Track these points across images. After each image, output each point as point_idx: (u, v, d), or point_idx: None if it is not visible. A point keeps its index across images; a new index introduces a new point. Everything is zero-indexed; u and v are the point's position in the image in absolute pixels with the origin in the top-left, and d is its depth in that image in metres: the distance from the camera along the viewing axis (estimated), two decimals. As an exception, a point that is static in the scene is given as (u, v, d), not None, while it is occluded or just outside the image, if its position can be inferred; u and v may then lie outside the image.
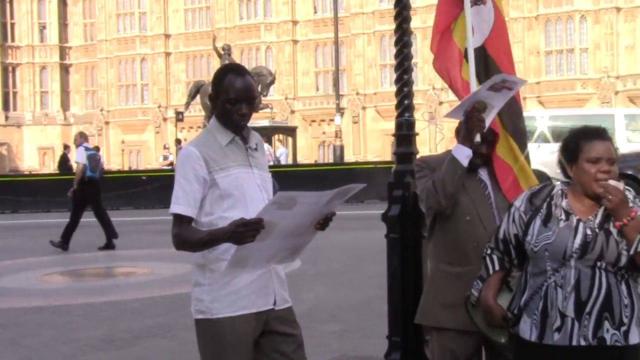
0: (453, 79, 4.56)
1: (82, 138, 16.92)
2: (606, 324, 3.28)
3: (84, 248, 15.38)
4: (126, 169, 53.01)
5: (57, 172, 30.69)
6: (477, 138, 3.98)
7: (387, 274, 5.14)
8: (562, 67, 53.74)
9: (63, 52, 69.95)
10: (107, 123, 65.34)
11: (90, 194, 16.12)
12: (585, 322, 3.28)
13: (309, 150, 55.20)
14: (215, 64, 46.05)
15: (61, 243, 15.23)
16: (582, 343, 3.27)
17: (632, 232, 3.22)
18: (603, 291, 3.29)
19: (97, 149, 18.91)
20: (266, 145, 21.32)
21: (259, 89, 34.59)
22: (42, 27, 69.02)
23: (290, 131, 41.20)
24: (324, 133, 56.18)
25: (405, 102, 5.42)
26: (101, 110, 66.11)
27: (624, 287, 3.33)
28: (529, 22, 53.89)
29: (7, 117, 68.01)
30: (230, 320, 3.63)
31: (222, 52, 37.37)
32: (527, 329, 3.41)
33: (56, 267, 13.70)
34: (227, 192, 3.60)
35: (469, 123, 3.96)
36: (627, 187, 3.40)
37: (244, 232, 3.32)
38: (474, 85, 4.28)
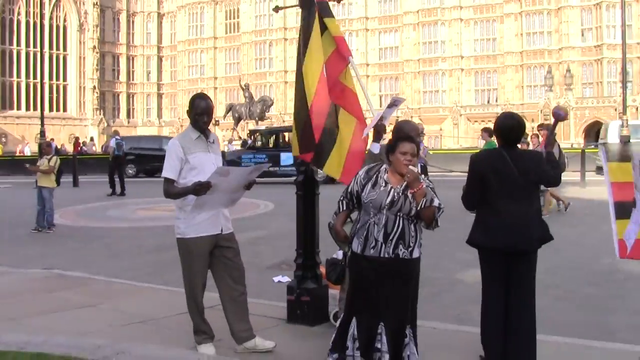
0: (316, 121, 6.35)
1: (114, 134, 28.16)
2: (400, 246, 4.97)
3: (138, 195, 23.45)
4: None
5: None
6: (384, 137, 6.10)
7: (296, 214, 7.14)
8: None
9: (159, 86, 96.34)
10: (181, 126, 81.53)
11: (117, 164, 25.95)
12: (389, 245, 4.95)
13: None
14: (239, 94, 65.47)
15: (122, 191, 25.20)
16: (386, 256, 4.96)
17: (419, 197, 4.92)
18: (399, 228, 4.97)
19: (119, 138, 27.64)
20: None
21: (263, 108, 51.71)
22: (148, 72, 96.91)
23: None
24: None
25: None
26: (178, 118, 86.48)
27: (412, 226, 5.03)
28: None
29: (128, 122, 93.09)
30: (194, 239, 5.77)
31: (243, 87, 54.62)
32: (356, 246, 5.09)
33: (137, 205, 20.72)
34: (194, 166, 5.70)
35: (377, 127, 6.17)
36: (423, 174, 5.18)
37: (199, 189, 5.41)
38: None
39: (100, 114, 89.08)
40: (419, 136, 6.18)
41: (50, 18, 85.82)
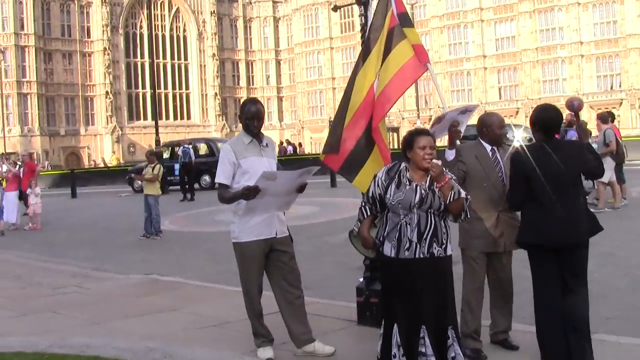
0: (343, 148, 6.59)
1: (185, 142, 33.02)
2: (434, 244, 4.93)
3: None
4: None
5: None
6: (457, 142, 5.82)
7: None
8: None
9: (279, 90, 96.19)
10: (302, 128, 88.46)
11: (185, 171, 29.09)
12: (423, 244, 4.91)
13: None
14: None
15: (191, 197, 27.43)
16: (421, 256, 4.90)
17: (446, 190, 4.88)
18: (432, 226, 4.94)
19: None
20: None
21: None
22: (268, 76, 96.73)
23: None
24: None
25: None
26: (299, 120, 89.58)
27: (443, 223, 5.00)
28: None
29: None
30: (248, 243, 5.89)
31: None
32: (388, 250, 5.00)
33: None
34: (246, 170, 5.81)
35: (451, 134, 5.92)
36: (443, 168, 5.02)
37: (248, 193, 5.53)
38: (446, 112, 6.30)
39: (222, 120, 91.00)
40: (502, 129, 6.06)
41: (171, 29, 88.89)
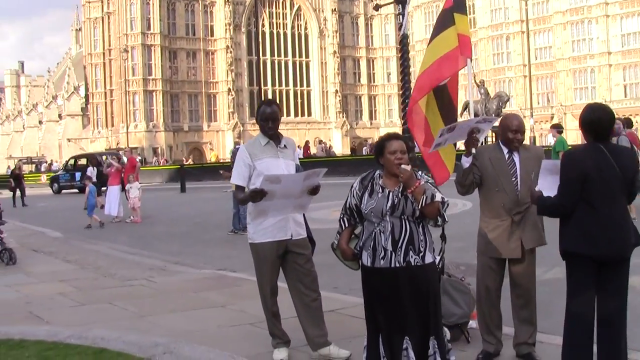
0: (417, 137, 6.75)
1: (236, 144, 39.33)
2: (410, 252, 4.77)
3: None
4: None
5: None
6: (473, 150, 5.74)
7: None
8: None
9: (399, 87, 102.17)
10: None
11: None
12: (399, 252, 4.76)
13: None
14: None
15: None
16: (397, 265, 4.77)
17: (418, 195, 4.72)
18: (407, 233, 4.79)
19: None
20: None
21: (499, 104, 50.09)
22: (389, 73, 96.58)
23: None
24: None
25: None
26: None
27: (420, 229, 4.85)
28: None
29: (371, 123, 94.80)
30: (261, 244, 5.97)
31: (478, 84, 52.33)
32: (365, 259, 4.93)
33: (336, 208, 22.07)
34: (261, 171, 5.77)
35: (469, 141, 5.84)
36: (416, 169, 4.91)
37: (254, 196, 5.53)
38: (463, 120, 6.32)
39: (342, 117, 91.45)
40: (522, 132, 5.80)
41: (292, 27, 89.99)
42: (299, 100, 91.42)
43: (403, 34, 7.53)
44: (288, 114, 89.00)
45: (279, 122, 6.12)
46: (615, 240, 4.89)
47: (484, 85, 53.68)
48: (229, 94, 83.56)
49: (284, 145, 6.07)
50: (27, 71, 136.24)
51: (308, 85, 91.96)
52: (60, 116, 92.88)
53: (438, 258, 5.49)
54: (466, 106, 51.59)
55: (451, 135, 6.14)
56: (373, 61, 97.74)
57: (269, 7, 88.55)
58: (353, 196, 5.05)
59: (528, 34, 58.63)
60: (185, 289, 10.16)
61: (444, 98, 6.86)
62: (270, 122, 5.99)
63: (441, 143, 6.18)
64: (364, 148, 55.59)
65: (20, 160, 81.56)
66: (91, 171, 25.63)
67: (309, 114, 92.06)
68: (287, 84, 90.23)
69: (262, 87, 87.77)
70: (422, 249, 4.84)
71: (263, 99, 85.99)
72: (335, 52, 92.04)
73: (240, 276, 11.01)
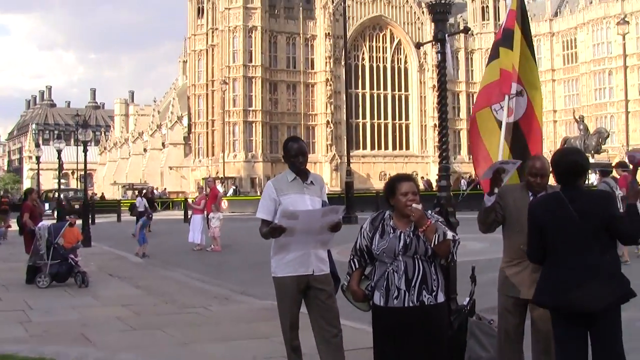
0: (476, 165, 6.98)
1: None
2: (424, 292, 4.82)
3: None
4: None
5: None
6: (496, 190, 5.73)
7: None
8: None
9: None
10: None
11: None
12: (412, 292, 4.81)
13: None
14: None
15: None
16: (411, 304, 4.80)
17: (429, 234, 4.78)
18: (420, 272, 4.84)
19: None
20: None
21: (599, 140, 50.62)
22: None
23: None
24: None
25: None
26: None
27: (432, 268, 4.90)
28: None
29: (469, 158, 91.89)
30: (283, 278, 6.04)
31: (578, 120, 54.07)
32: (378, 299, 4.95)
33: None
34: (286, 207, 5.88)
35: (493, 181, 5.80)
36: (429, 210, 5.07)
37: (273, 232, 5.72)
38: (499, 157, 6.41)
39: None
40: (544, 176, 5.69)
41: (392, 61, 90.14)
42: (397, 134, 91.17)
43: (441, 73, 7.42)
44: (386, 147, 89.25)
45: (307, 156, 6.19)
46: (577, 291, 4.63)
47: (583, 121, 53.43)
48: (327, 127, 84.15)
49: (311, 182, 6.12)
50: (137, 100, 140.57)
51: (407, 118, 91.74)
52: (163, 144, 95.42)
53: (467, 299, 5.47)
54: (565, 142, 50.88)
55: (488, 171, 6.08)
56: (473, 95, 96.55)
57: (369, 41, 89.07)
58: (363, 237, 5.08)
59: (625, 70, 56.99)
60: (240, 318, 10.31)
61: (515, 133, 6.91)
62: (301, 157, 6.06)
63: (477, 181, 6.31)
64: (462, 181, 54.86)
65: (124, 186, 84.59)
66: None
67: (407, 147, 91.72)
68: (385, 117, 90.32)
69: (361, 120, 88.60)
70: (435, 288, 4.89)
71: (361, 131, 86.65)
72: (434, 86, 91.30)
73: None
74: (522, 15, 7.08)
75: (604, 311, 4.66)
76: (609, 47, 79.30)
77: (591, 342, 4.77)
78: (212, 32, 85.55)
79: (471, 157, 7.53)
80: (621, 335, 4.77)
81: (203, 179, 55.90)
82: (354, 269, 5.22)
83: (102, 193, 76.74)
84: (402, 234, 4.90)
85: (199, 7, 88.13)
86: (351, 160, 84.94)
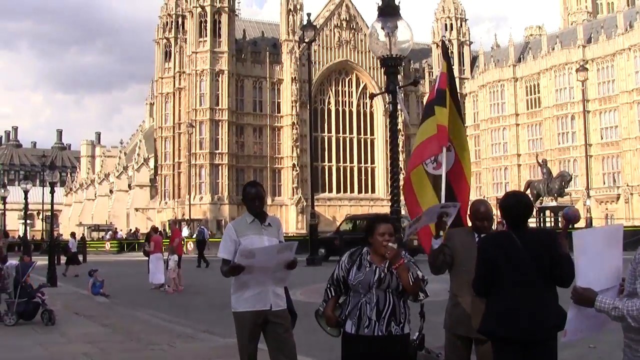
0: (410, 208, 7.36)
1: (200, 224, 45.36)
2: (392, 323, 5.27)
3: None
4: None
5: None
6: (441, 233, 6.14)
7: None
8: None
9: None
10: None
11: (201, 247, 35.72)
12: (382, 322, 5.23)
13: None
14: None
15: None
16: (380, 334, 5.24)
17: (402, 272, 5.28)
18: (391, 305, 5.27)
19: None
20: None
21: (562, 184, 50.41)
22: None
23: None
24: None
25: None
26: (484, 197, 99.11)
27: (401, 302, 5.35)
28: None
29: None
30: (241, 313, 6.39)
31: (541, 163, 53.01)
32: (349, 327, 5.36)
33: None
34: (245, 247, 6.25)
35: (438, 225, 6.25)
36: (403, 251, 5.45)
37: (232, 270, 6.20)
38: (438, 202, 6.75)
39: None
40: (489, 219, 6.13)
41: (358, 105, 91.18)
42: (363, 177, 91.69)
43: (392, 122, 7.97)
44: (352, 190, 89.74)
45: (264, 200, 6.71)
46: (527, 322, 5.06)
47: (546, 165, 53.63)
48: (293, 170, 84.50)
49: (269, 224, 6.56)
50: (104, 142, 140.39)
51: (372, 162, 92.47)
52: (129, 186, 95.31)
53: (417, 334, 5.95)
54: (528, 185, 51.76)
55: (423, 220, 6.57)
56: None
57: (335, 85, 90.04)
58: (341, 269, 5.56)
59: (585, 115, 58.46)
60: (201, 355, 10.68)
61: (443, 186, 7.21)
62: (257, 201, 6.56)
63: (417, 227, 6.67)
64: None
65: (89, 227, 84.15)
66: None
67: (373, 191, 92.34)
68: (351, 161, 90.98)
69: (327, 163, 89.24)
70: (402, 320, 5.36)
71: (327, 174, 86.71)
72: (400, 130, 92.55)
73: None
74: (449, 78, 7.62)
75: (543, 339, 5.17)
76: (571, 92, 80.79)
77: None
78: (180, 75, 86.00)
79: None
80: (556, 358, 5.28)
81: (168, 221, 56.07)
82: (329, 297, 5.67)
83: (83, 234, 75.70)
84: (378, 269, 5.37)
85: (166, 50, 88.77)
86: (317, 203, 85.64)
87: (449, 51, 8.12)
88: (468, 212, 6.39)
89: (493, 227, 6.29)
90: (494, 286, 5.24)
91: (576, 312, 4.62)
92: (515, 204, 5.41)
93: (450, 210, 6.55)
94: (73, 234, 34.98)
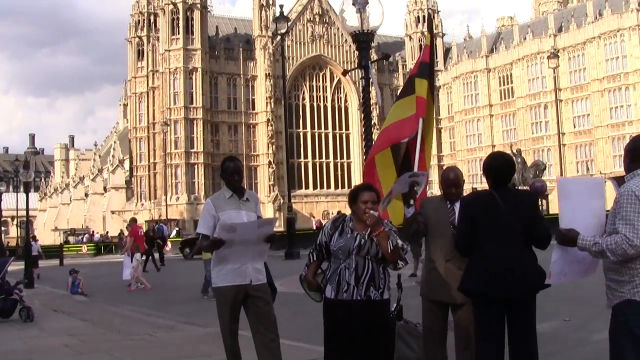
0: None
1: (160, 222, 46.58)
2: (371, 288, 5.39)
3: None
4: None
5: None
6: (411, 202, 6.33)
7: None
8: None
9: (439, 158, 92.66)
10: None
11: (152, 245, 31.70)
12: (360, 287, 5.36)
13: None
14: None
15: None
16: (359, 298, 5.36)
17: (382, 239, 5.34)
18: (369, 271, 5.39)
19: None
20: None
21: (536, 173, 50.56)
22: None
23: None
24: None
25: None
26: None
27: (380, 269, 5.46)
28: None
29: None
30: (222, 287, 6.45)
31: (515, 153, 52.16)
32: (329, 292, 5.50)
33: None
34: (224, 222, 6.27)
35: (408, 193, 6.44)
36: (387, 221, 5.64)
37: (212, 245, 6.24)
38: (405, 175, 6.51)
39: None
40: (458, 186, 6.18)
41: (332, 100, 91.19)
42: (339, 172, 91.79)
43: (365, 98, 7.88)
44: (328, 186, 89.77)
45: (242, 174, 6.67)
46: (507, 279, 5.13)
47: (520, 154, 54.26)
48: (269, 167, 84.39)
49: (247, 199, 6.56)
50: (78, 145, 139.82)
51: (348, 157, 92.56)
52: (105, 189, 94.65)
53: (395, 305, 5.96)
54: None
55: (396, 190, 6.59)
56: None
57: (309, 81, 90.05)
58: (324, 234, 5.66)
59: (557, 103, 59.00)
60: (185, 342, 10.59)
61: (401, 156, 7.26)
62: (236, 175, 6.52)
63: (391, 198, 6.64)
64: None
65: (65, 232, 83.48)
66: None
67: (349, 186, 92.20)
68: (327, 157, 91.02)
69: (303, 160, 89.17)
70: (381, 286, 5.44)
71: (304, 171, 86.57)
72: (375, 124, 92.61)
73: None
74: (431, 53, 7.53)
75: (524, 297, 5.22)
76: (543, 81, 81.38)
77: (508, 325, 5.29)
78: (153, 75, 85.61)
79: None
80: (535, 318, 5.34)
81: (146, 221, 55.72)
82: (311, 261, 5.80)
83: (67, 238, 75.06)
84: (359, 236, 5.46)
85: (139, 49, 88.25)
86: (294, 200, 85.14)
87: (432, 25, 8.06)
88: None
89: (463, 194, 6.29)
90: (475, 244, 5.34)
91: (560, 254, 4.79)
92: (502, 164, 5.52)
93: (420, 179, 6.60)
94: (34, 237, 35.22)
